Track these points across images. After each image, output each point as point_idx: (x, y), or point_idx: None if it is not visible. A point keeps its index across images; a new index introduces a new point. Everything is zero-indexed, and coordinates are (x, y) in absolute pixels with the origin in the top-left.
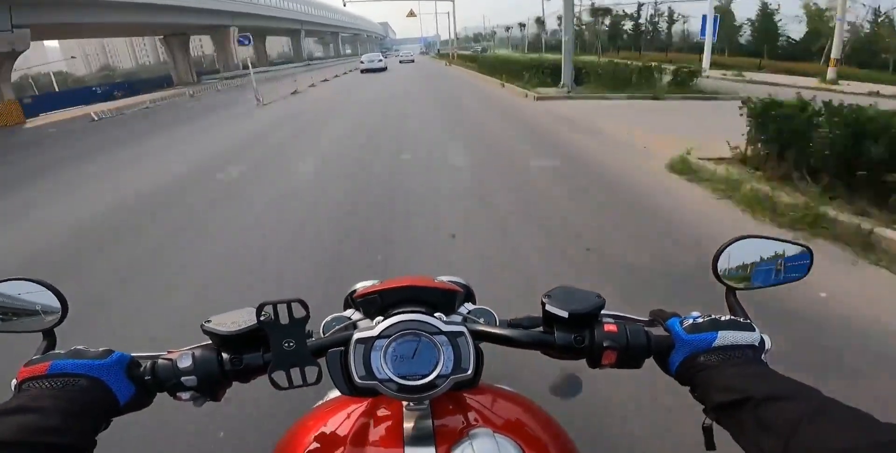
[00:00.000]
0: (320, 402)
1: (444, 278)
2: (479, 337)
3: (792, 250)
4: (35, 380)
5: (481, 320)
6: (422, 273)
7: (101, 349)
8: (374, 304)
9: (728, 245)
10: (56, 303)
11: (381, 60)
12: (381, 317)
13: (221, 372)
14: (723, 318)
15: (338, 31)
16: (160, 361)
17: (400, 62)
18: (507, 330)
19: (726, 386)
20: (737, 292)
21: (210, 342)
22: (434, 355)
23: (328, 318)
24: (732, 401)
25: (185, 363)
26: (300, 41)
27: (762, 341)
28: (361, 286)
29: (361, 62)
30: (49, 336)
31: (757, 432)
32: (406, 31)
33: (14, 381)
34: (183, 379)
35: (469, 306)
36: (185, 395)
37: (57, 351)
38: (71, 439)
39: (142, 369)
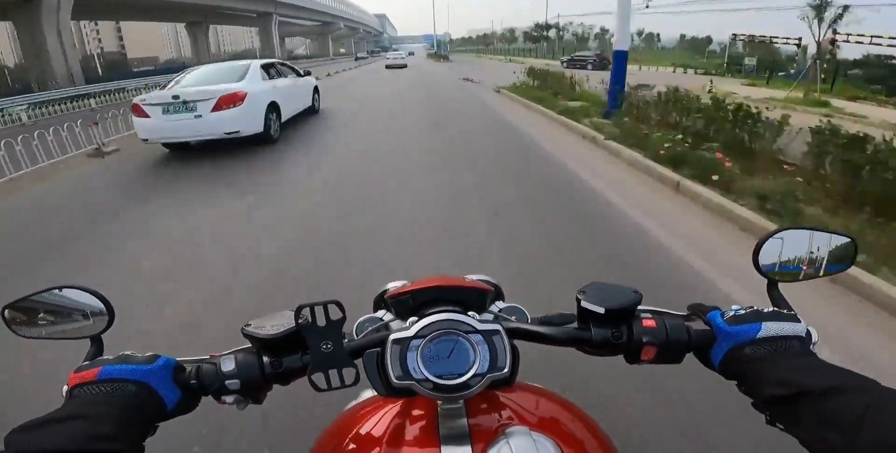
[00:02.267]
0: (354, 402)
1: (473, 277)
2: (514, 335)
3: (835, 241)
4: (85, 386)
5: (513, 318)
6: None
7: (147, 354)
8: (406, 305)
9: (768, 237)
10: (103, 310)
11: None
12: (414, 318)
13: (262, 375)
14: (765, 310)
15: (318, 17)
16: (205, 365)
17: (387, 66)
18: (542, 327)
19: (779, 379)
20: (779, 285)
21: (250, 345)
22: (470, 354)
23: (361, 319)
24: (787, 395)
25: (229, 366)
26: (270, 31)
27: (808, 333)
28: (392, 286)
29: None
30: (97, 342)
31: (818, 427)
32: (407, 28)
33: (65, 387)
34: (227, 382)
35: (500, 304)
36: (229, 399)
37: (105, 357)
38: (122, 446)
39: (187, 373)
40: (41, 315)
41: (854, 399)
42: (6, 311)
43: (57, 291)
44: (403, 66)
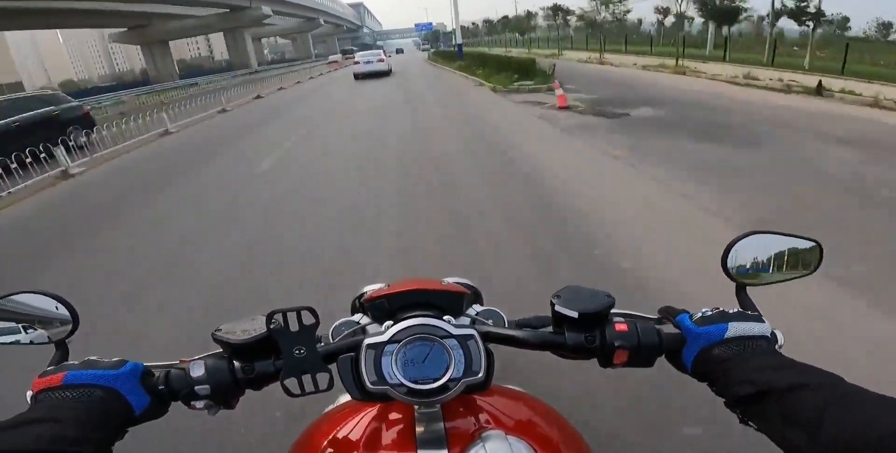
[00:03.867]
0: (331, 406)
1: (451, 279)
2: (489, 339)
3: (801, 244)
4: (50, 392)
5: (490, 321)
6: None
7: (114, 359)
8: (382, 309)
9: (737, 241)
10: (67, 315)
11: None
12: (390, 322)
13: (234, 381)
14: (731, 311)
15: (301, 12)
16: (173, 371)
17: (356, 77)
18: (517, 331)
19: (745, 378)
20: (747, 288)
21: (221, 350)
22: (445, 358)
23: (337, 323)
24: (754, 394)
25: (198, 372)
26: (239, 34)
27: (773, 334)
28: (369, 289)
29: None
30: (61, 347)
31: (783, 424)
32: (394, 21)
33: (29, 393)
34: (196, 388)
35: (477, 308)
36: (199, 404)
37: (71, 362)
38: (88, 449)
39: (155, 378)
40: (2, 321)
41: (817, 395)
42: None
43: (17, 297)
44: (385, 74)
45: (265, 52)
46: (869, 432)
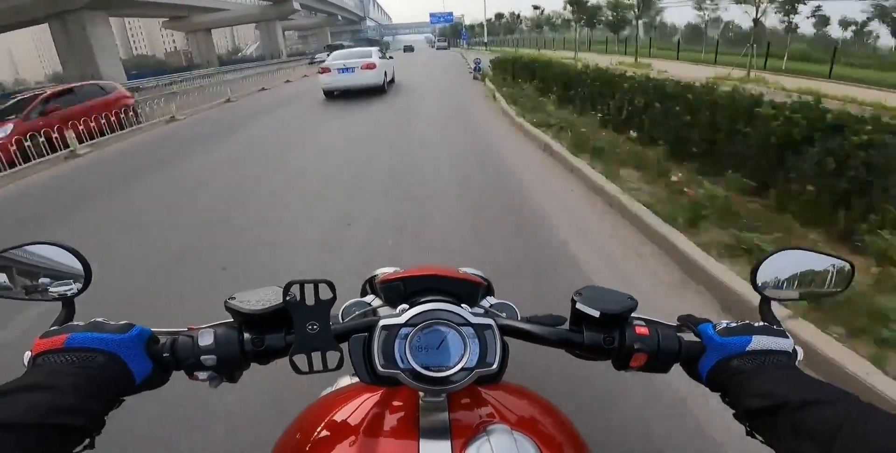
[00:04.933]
0: (330, 389)
1: (465, 269)
2: (505, 331)
3: (833, 263)
4: (50, 354)
5: (503, 314)
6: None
7: (121, 322)
8: (397, 291)
9: (769, 256)
10: (80, 270)
11: None
12: (405, 305)
13: (241, 353)
14: (756, 324)
15: None
16: (181, 338)
17: (327, 93)
18: (534, 326)
19: (761, 391)
20: (772, 303)
21: (231, 320)
22: (459, 347)
23: (348, 303)
24: (766, 407)
25: (207, 341)
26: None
27: (794, 351)
28: (382, 272)
29: None
30: (69, 305)
31: (795, 438)
32: (404, 15)
33: (28, 354)
34: (203, 357)
35: (491, 299)
36: (202, 375)
37: (75, 323)
38: (84, 420)
39: (160, 345)
40: (12, 271)
41: (831, 411)
42: None
43: (30, 247)
44: (376, 91)
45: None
46: (881, 450)
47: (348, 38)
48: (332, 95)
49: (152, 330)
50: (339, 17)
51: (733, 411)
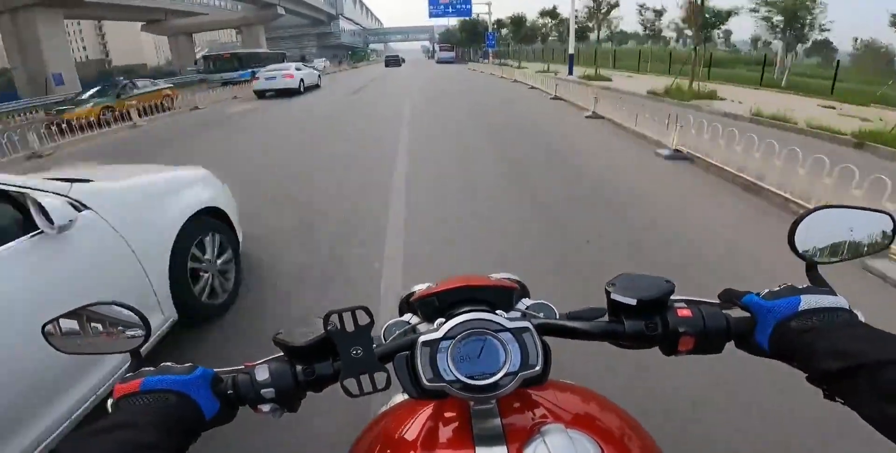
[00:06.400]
0: (386, 407)
1: (497, 275)
2: (544, 331)
3: (870, 217)
4: (129, 397)
5: (541, 315)
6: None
7: (186, 365)
8: (432, 307)
9: (803, 217)
10: (140, 324)
11: None
12: (441, 319)
13: (296, 383)
14: (800, 286)
15: None
16: (240, 375)
17: None
18: (572, 322)
19: (834, 350)
20: (818, 266)
21: (282, 354)
22: (500, 353)
23: (388, 324)
24: (844, 368)
25: (263, 375)
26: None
27: (852, 310)
28: (417, 289)
29: None
30: (136, 355)
31: (880, 401)
32: (398, 17)
33: (111, 400)
34: (262, 391)
35: (527, 301)
36: (265, 407)
37: (148, 368)
38: None
39: (224, 384)
40: (81, 330)
41: None
42: (46, 327)
43: (94, 308)
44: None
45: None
46: None
47: (313, 43)
48: (264, 95)
49: (215, 370)
50: (280, 9)
51: (806, 375)
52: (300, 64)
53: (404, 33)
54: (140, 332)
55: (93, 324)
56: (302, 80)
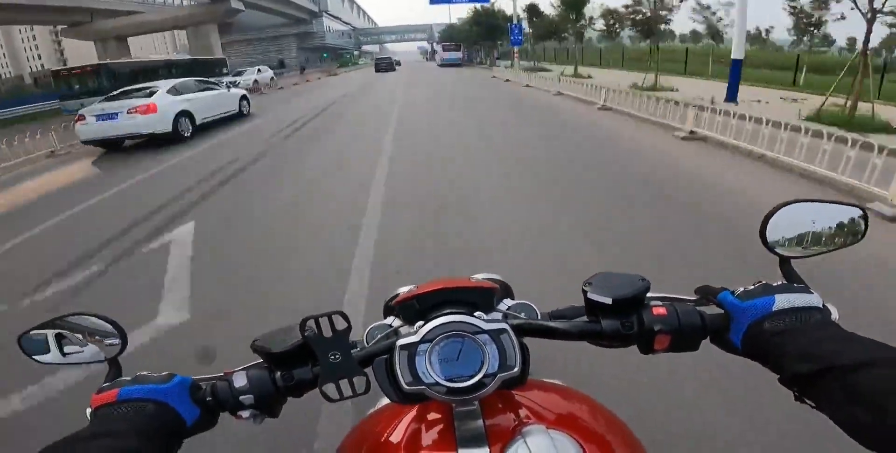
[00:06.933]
0: (372, 410)
1: (479, 276)
2: (522, 332)
3: (845, 212)
4: (107, 407)
5: (522, 315)
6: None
7: (163, 373)
8: (412, 310)
9: (775, 211)
10: (115, 334)
11: None
12: (421, 322)
13: (275, 389)
14: (775, 283)
15: None
16: (218, 383)
17: None
18: (550, 322)
19: (804, 353)
20: (791, 261)
21: (261, 360)
22: (478, 355)
23: (370, 327)
24: (815, 371)
25: (241, 382)
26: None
27: (826, 309)
28: (401, 292)
29: None
30: (114, 364)
31: (848, 404)
32: (392, 19)
33: (88, 409)
34: (241, 398)
35: (508, 302)
36: (245, 414)
37: (124, 378)
38: None
39: (203, 391)
40: (56, 342)
41: (886, 373)
42: (22, 339)
43: (69, 319)
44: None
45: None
46: None
47: (293, 44)
48: (117, 145)
49: (193, 378)
50: (237, 2)
51: (778, 376)
52: (191, 81)
53: (399, 33)
54: (116, 341)
55: (68, 335)
56: (184, 115)
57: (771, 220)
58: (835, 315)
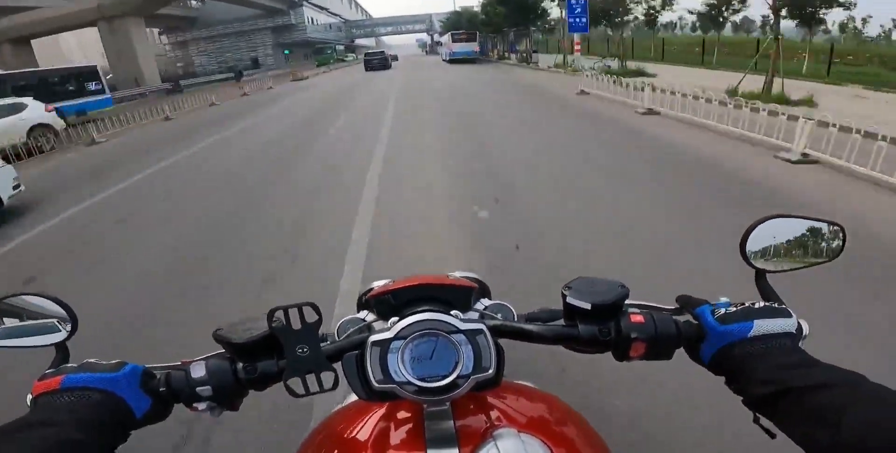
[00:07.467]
0: (340, 405)
1: (458, 274)
2: (498, 333)
3: (822, 228)
4: (49, 395)
5: (498, 315)
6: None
7: (113, 361)
8: (388, 305)
9: (755, 226)
10: (66, 317)
11: None
12: (395, 318)
13: (236, 381)
14: (756, 305)
15: None
16: (174, 372)
17: None
18: (528, 325)
19: (766, 378)
20: (767, 275)
21: (223, 351)
22: (453, 355)
23: (342, 321)
24: (773, 393)
25: (199, 373)
26: None
27: (799, 327)
28: (376, 285)
29: None
30: (61, 349)
31: (804, 423)
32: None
33: (29, 396)
34: (198, 389)
35: (485, 302)
36: (201, 406)
37: (70, 365)
38: (92, 452)
39: (156, 380)
40: (3, 322)
41: (839, 394)
42: None
43: (17, 299)
44: None
45: None
46: (892, 431)
47: (269, 40)
48: None
49: (146, 366)
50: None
51: (741, 398)
52: None
53: (395, 24)
54: (66, 325)
55: (13, 317)
56: None
57: (752, 234)
58: (806, 330)
